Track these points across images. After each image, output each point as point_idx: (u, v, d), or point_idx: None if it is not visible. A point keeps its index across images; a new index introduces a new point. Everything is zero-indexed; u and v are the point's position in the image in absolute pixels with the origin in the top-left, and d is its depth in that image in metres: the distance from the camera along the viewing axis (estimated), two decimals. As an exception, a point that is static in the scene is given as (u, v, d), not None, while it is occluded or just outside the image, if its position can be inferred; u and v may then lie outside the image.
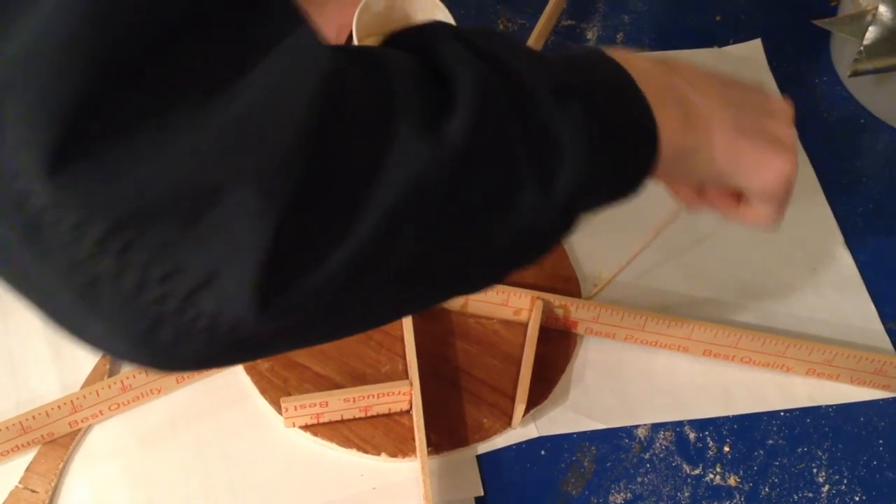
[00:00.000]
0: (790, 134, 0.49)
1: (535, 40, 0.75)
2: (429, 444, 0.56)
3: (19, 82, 0.28)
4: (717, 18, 0.81)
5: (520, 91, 0.37)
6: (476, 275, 0.40)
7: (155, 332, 0.31)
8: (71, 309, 0.31)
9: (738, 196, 0.51)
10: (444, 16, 0.68)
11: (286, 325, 0.32)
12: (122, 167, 0.28)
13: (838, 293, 0.65)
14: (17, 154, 0.28)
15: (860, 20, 0.72)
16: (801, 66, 0.78)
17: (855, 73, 0.70)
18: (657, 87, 0.43)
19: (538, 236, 0.40)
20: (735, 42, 0.79)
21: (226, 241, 0.29)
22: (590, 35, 0.80)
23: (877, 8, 0.71)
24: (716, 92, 0.48)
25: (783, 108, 0.50)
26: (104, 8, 0.28)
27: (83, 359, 0.59)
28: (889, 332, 0.63)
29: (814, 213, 0.69)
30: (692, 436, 0.59)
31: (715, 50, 0.78)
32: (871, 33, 0.69)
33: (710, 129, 0.46)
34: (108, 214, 0.29)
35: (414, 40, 0.38)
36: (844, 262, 0.67)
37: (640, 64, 0.44)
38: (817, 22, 0.73)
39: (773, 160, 0.48)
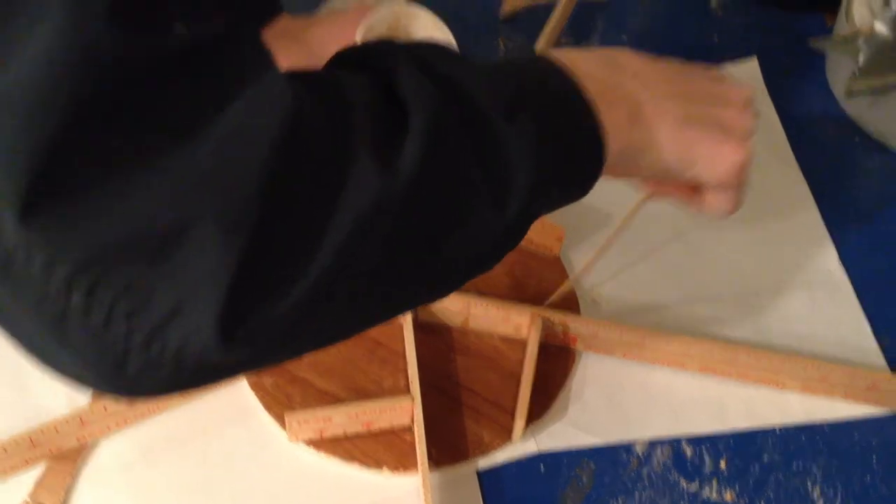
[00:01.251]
0: (743, 121, 0.50)
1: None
2: (430, 458, 0.57)
3: None
4: (715, 39, 0.83)
5: (471, 110, 0.39)
6: (435, 287, 0.42)
7: (122, 365, 0.32)
8: (41, 341, 0.33)
9: (696, 186, 0.52)
10: (445, 35, 0.69)
11: (250, 352, 0.34)
12: (89, 210, 0.30)
13: (833, 309, 0.66)
14: None
15: (854, 40, 0.73)
16: (798, 84, 0.79)
17: (850, 93, 0.71)
18: (603, 89, 0.45)
19: (493, 246, 0.42)
20: (732, 60, 0.80)
21: (189, 277, 0.31)
22: (593, 38, 0.81)
23: (871, 27, 0.72)
24: (664, 84, 0.48)
25: (738, 94, 0.51)
26: (77, 61, 0.29)
27: (91, 374, 0.60)
28: (882, 348, 0.64)
29: (809, 230, 0.70)
30: (689, 451, 0.60)
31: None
32: (865, 53, 0.71)
33: (657, 125, 0.47)
34: (76, 255, 0.30)
35: (374, 60, 0.39)
36: (839, 279, 0.68)
37: (586, 66, 0.45)
38: (813, 42, 0.74)
39: (722, 151, 0.48)
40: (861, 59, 0.70)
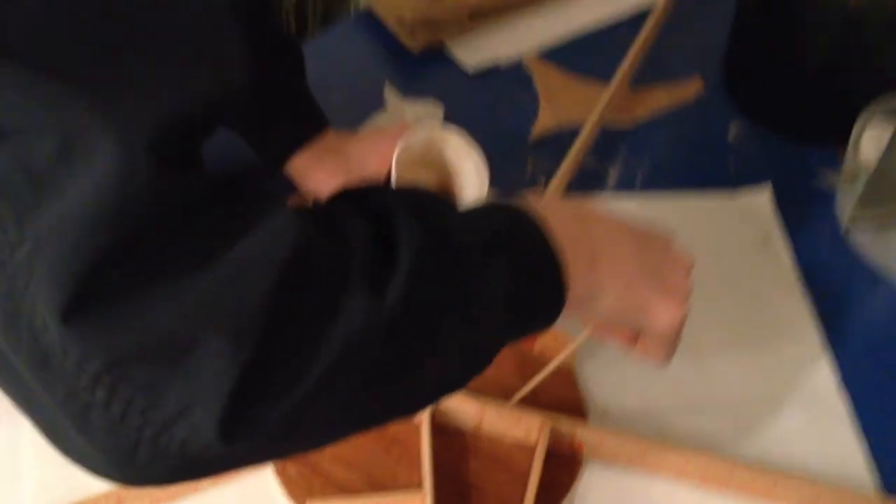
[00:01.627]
0: (685, 285, 0.58)
1: (559, 179, 0.82)
2: (439, 553, 0.61)
3: (44, 250, 0.35)
4: (731, 167, 0.88)
5: (452, 251, 0.45)
6: (413, 400, 0.48)
7: (133, 455, 0.37)
8: (64, 428, 0.38)
9: (637, 334, 0.60)
10: (475, 157, 0.75)
11: (247, 448, 0.39)
12: (119, 319, 0.36)
13: (829, 430, 0.69)
14: (38, 303, 0.35)
15: (857, 175, 0.78)
16: (808, 213, 0.83)
17: (851, 224, 0.75)
18: (571, 240, 0.52)
19: (467, 368, 0.48)
20: (746, 185, 0.85)
21: (198, 382, 0.36)
22: (611, 174, 0.87)
23: (874, 164, 0.77)
24: (623, 243, 0.56)
25: (683, 261, 0.58)
26: (120, 196, 0.35)
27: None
28: (876, 473, 0.67)
29: (810, 354, 0.74)
30: (686, 561, 0.63)
31: (725, 196, 0.85)
32: (866, 187, 0.75)
33: (611, 277, 0.54)
34: (105, 356, 0.36)
35: (374, 202, 0.46)
36: (837, 402, 0.71)
37: (556, 217, 0.52)
38: (819, 178, 0.79)
39: (664, 309, 0.56)
40: (862, 192, 0.75)
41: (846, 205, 0.80)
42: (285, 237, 0.39)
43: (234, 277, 0.37)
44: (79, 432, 0.37)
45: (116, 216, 0.35)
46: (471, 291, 0.46)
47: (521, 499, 0.64)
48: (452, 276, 0.45)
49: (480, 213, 0.50)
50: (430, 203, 0.48)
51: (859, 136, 0.82)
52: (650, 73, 0.96)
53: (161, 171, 0.36)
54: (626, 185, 0.86)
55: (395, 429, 0.67)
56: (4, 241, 0.35)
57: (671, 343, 0.58)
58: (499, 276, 0.47)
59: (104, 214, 0.35)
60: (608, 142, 0.89)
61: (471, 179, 0.77)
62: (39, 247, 0.35)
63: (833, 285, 0.79)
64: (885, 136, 0.80)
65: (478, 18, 0.99)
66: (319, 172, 0.79)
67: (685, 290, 0.57)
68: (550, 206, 0.53)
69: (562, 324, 0.52)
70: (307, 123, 0.80)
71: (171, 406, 0.36)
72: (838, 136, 0.84)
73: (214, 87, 0.41)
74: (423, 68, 0.97)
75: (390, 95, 0.92)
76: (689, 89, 0.95)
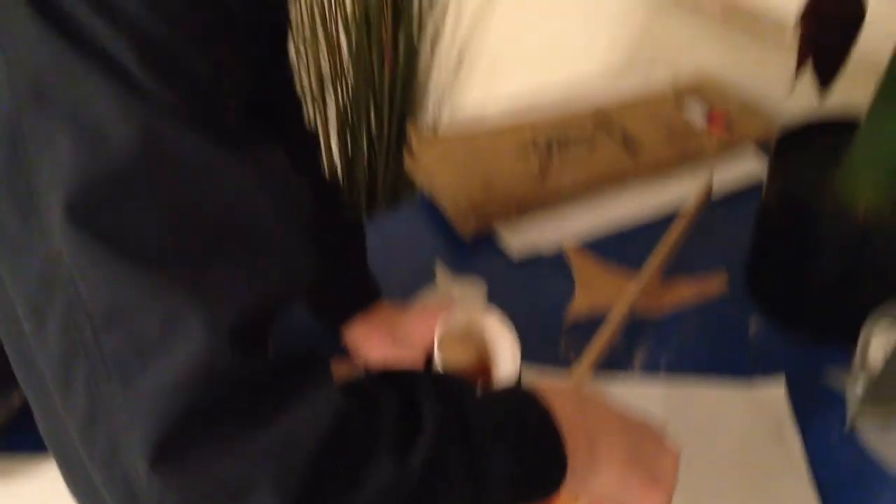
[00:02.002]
0: (671, 475, 0.65)
1: (588, 359, 0.90)
2: None
3: (142, 411, 0.44)
4: (748, 360, 0.95)
5: (466, 430, 0.54)
6: None
7: None
8: None
9: None
10: (510, 339, 0.84)
11: None
12: (192, 470, 0.45)
13: None
14: (133, 453, 0.44)
15: (865, 376, 0.84)
16: (819, 407, 0.89)
17: (854, 421, 0.81)
18: (573, 427, 0.60)
19: None
20: (762, 373, 0.92)
21: None
22: (637, 358, 0.94)
23: (881, 365, 0.84)
24: (619, 432, 0.64)
25: (672, 451, 0.66)
26: (202, 372, 0.45)
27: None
28: None
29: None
30: None
31: (743, 386, 0.91)
32: (870, 387, 0.82)
33: (606, 461, 0.62)
34: (179, 497, 0.44)
35: (407, 383, 0.55)
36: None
37: (560, 403, 0.60)
38: (826, 377, 0.85)
39: (650, 494, 0.63)
40: (866, 392, 0.81)
41: (853, 402, 0.86)
42: (328, 410, 0.48)
43: (285, 442, 0.46)
44: None
45: (199, 388, 0.45)
46: (479, 468, 0.54)
47: None
48: (465, 453, 0.54)
49: (497, 399, 0.59)
50: (454, 388, 0.57)
51: (867, 339, 0.89)
52: (679, 265, 1.05)
53: (236, 354, 0.46)
54: (651, 368, 0.94)
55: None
56: (112, 403, 0.45)
57: None
58: (505, 457, 0.55)
59: (190, 386, 0.45)
60: (637, 328, 0.97)
61: (505, 358, 0.86)
62: (138, 408, 0.44)
63: (840, 476, 0.84)
64: (891, 340, 0.87)
65: (524, 210, 1.10)
66: (370, 340, 0.89)
67: (671, 480, 0.65)
68: (557, 394, 0.61)
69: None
70: (363, 297, 0.91)
71: None
72: (849, 337, 0.91)
73: (285, 286, 0.51)
74: (473, 252, 1.07)
75: (441, 273, 1.02)
76: (714, 285, 1.03)
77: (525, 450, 0.57)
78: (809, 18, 0.87)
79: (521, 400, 0.60)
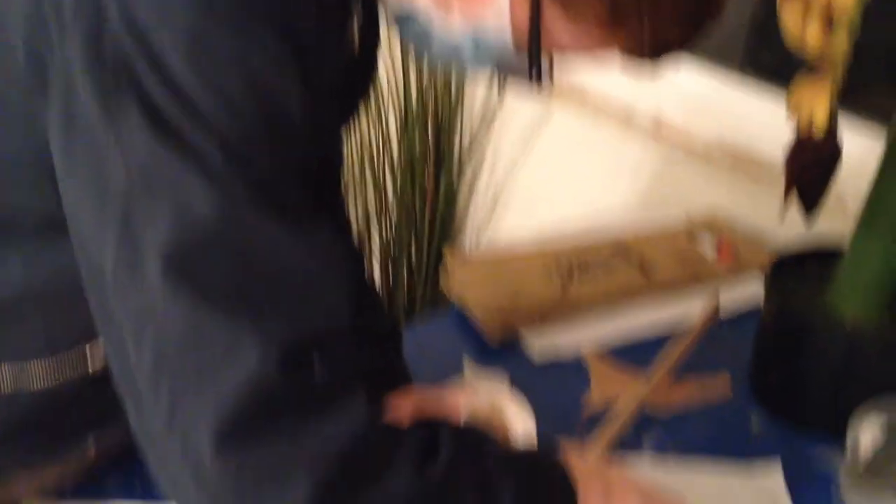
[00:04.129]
0: None
1: (599, 444, 0.99)
2: None
3: (207, 412, 0.59)
4: (748, 450, 1.04)
5: (481, 464, 0.67)
6: None
7: None
8: None
9: None
10: (528, 422, 0.94)
11: None
12: (244, 459, 0.59)
13: None
14: (201, 443, 0.58)
15: (853, 459, 0.93)
16: (812, 489, 0.97)
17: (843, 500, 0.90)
18: (591, 476, 0.71)
19: None
20: (759, 454, 1.01)
21: (280, 498, 0.59)
22: (645, 444, 1.03)
23: (869, 454, 0.93)
24: (635, 493, 0.73)
25: None
26: (251, 391, 0.59)
27: None
28: None
29: None
30: None
31: (743, 470, 1.00)
32: (858, 463, 0.90)
33: None
34: (235, 480, 0.58)
35: (428, 423, 0.68)
36: None
37: (579, 462, 0.71)
38: (826, 462, 0.94)
39: None
40: (854, 479, 0.90)
41: (843, 483, 0.94)
42: (360, 420, 0.62)
43: (322, 442, 0.60)
44: None
45: (252, 398, 0.59)
46: (490, 496, 0.65)
47: None
48: (478, 483, 0.65)
49: (513, 447, 0.71)
50: (473, 432, 0.69)
51: (856, 432, 0.98)
52: (687, 367, 1.15)
53: (285, 376, 0.59)
54: (658, 453, 1.03)
55: None
56: (187, 406, 0.58)
57: None
58: (516, 493, 0.66)
59: (245, 396, 0.59)
60: (644, 423, 1.07)
61: (522, 440, 0.96)
62: (206, 410, 0.58)
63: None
64: (876, 433, 0.96)
65: (547, 319, 1.22)
66: (399, 410, 0.99)
67: None
68: (575, 453, 0.73)
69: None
70: (397, 381, 1.02)
71: None
72: (840, 431, 0.99)
73: (326, 324, 0.64)
74: (499, 356, 1.19)
75: (468, 368, 1.13)
76: (718, 387, 1.13)
77: (536, 489, 0.68)
78: (793, 157, 1.01)
79: (538, 451, 0.72)
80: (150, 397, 0.60)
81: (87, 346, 0.81)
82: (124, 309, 0.61)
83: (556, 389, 1.13)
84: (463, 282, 1.27)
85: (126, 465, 0.94)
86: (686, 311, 1.24)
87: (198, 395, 0.58)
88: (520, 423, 0.97)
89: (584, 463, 0.74)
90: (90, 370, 0.81)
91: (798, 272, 1.09)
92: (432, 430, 0.66)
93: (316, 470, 0.58)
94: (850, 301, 1.03)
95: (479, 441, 0.68)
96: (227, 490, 0.58)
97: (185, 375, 0.59)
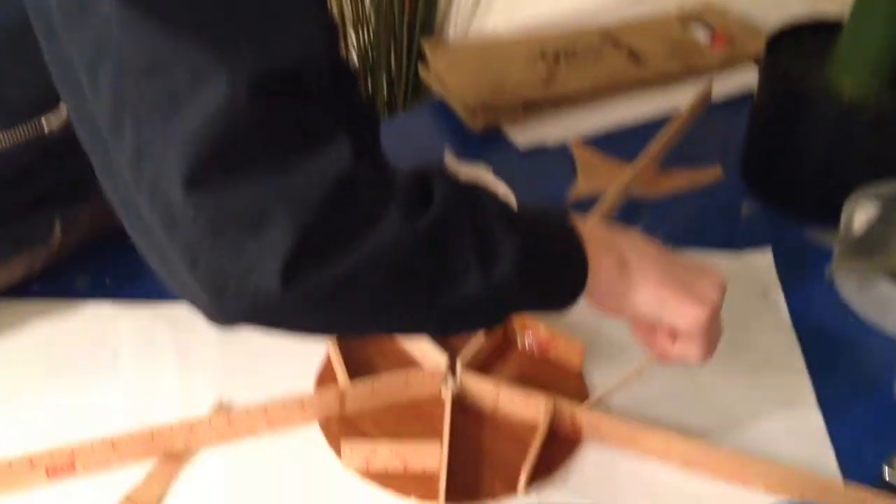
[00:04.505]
0: (713, 293, 0.68)
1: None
2: (450, 495, 0.72)
3: (175, 147, 0.52)
4: (739, 234, 1.01)
5: (480, 212, 0.60)
6: (426, 321, 0.62)
7: (223, 292, 0.53)
8: (180, 271, 0.54)
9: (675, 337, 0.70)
10: (505, 193, 0.90)
11: (298, 304, 0.53)
12: (218, 197, 0.52)
13: (805, 445, 0.78)
14: (171, 182, 0.52)
15: (845, 237, 0.90)
16: (805, 273, 0.95)
17: (835, 274, 0.87)
18: (602, 244, 0.66)
19: (478, 308, 0.60)
20: (750, 247, 0.97)
21: (267, 244, 0.52)
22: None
23: (861, 228, 0.90)
24: (652, 256, 0.68)
25: (715, 275, 0.69)
26: (220, 119, 0.52)
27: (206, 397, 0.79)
28: (843, 476, 0.76)
29: (796, 383, 0.84)
30: (663, 524, 0.72)
31: (732, 255, 0.97)
32: (850, 245, 0.87)
33: (638, 278, 0.67)
34: (211, 220, 0.52)
35: (425, 169, 0.61)
36: (815, 422, 0.80)
37: (595, 229, 0.66)
38: (809, 235, 0.91)
39: (688, 307, 0.67)
40: (844, 246, 0.87)
41: (835, 258, 0.91)
42: (347, 160, 0.55)
43: (304, 181, 0.53)
44: (190, 274, 0.53)
45: (222, 129, 0.52)
46: (487, 250, 0.59)
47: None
48: (473, 233, 0.59)
49: (520, 203, 0.64)
50: (472, 185, 0.62)
51: (850, 213, 0.95)
52: (677, 161, 1.10)
53: (257, 104, 0.52)
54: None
55: (425, 403, 0.80)
56: (153, 141, 0.52)
57: (702, 343, 0.69)
58: (516, 247, 0.60)
59: (214, 127, 0.52)
60: (633, 209, 1.03)
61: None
62: (173, 145, 0.52)
63: (822, 331, 0.89)
64: (871, 213, 0.93)
65: (530, 108, 1.16)
66: None
67: (713, 297, 0.67)
68: (587, 220, 0.67)
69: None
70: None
71: (250, 259, 0.52)
72: (834, 216, 0.96)
73: (297, 52, 0.56)
74: (481, 145, 1.13)
75: (448, 158, 1.08)
76: (709, 175, 1.09)
77: (542, 247, 0.62)
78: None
79: (546, 208, 0.66)
80: (113, 138, 0.54)
81: (43, 118, 0.77)
82: (77, 47, 0.55)
83: (541, 178, 1.09)
84: (443, 69, 1.20)
85: (97, 263, 0.91)
86: (678, 100, 1.19)
87: (163, 130, 0.52)
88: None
89: (598, 230, 0.68)
90: (45, 131, 0.78)
91: (796, 46, 1.03)
92: (427, 178, 0.59)
93: (298, 211, 0.52)
94: (849, 73, 0.97)
95: (479, 194, 0.62)
96: (200, 234, 0.52)
97: (149, 108, 0.52)
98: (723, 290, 0.69)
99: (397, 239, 0.55)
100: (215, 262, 0.52)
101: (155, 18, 0.52)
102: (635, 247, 0.68)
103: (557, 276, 0.65)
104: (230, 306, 0.53)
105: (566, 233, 0.65)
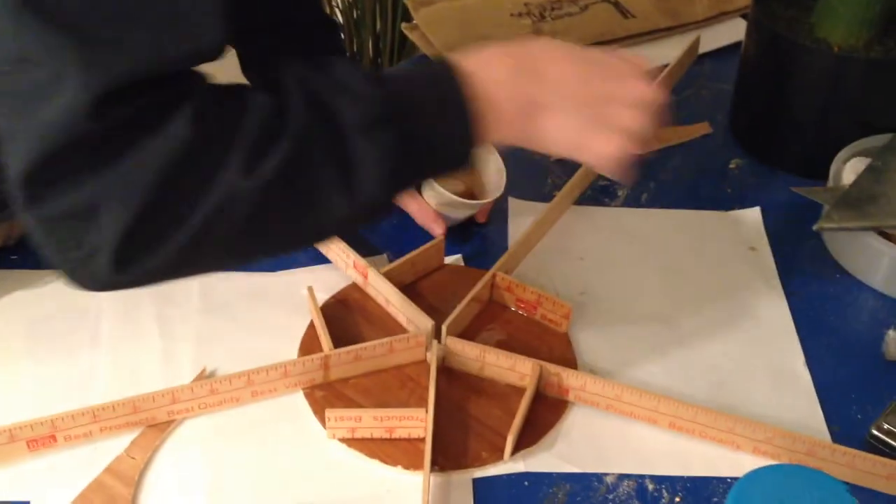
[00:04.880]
0: (631, 121, 0.65)
1: (569, 188, 0.95)
2: (435, 464, 0.71)
3: (21, 142, 0.54)
4: (728, 191, 0.99)
5: (333, 129, 0.58)
6: (289, 245, 0.66)
7: (75, 274, 0.57)
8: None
9: None
10: (496, 161, 0.89)
11: (139, 276, 0.57)
12: (57, 191, 0.54)
13: (792, 400, 0.78)
14: (13, 175, 0.53)
15: (834, 191, 0.89)
16: (793, 229, 0.94)
17: (821, 229, 0.86)
18: (505, 96, 0.62)
19: (354, 218, 0.62)
20: (739, 204, 0.96)
21: (101, 234, 0.54)
22: (621, 193, 0.99)
23: (849, 183, 0.88)
24: (569, 87, 0.64)
25: (636, 96, 0.65)
26: (69, 120, 0.53)
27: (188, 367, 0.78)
28: (831, 432, 0.76)
29: (783, 338, 0.83)
30: (651, 487, 0.72)
31: (719, 213, 0.96)
32: (839, 200, 0.86)
33: (553, 125, 0.64)
34: (47, 214, 0.54)
35: (286, 82, 0.59)
36: (803, 377, 0.80)
37: (493, 72, 0.62)
38: (796, 189, 0.90)
39: (600, 145, 0.64)
40: (833, 203, 0.86)
41: (824, 211, 0.90)
42: (177, 141, 0.55)
43: (132, 172, 0.54)
44: (52, 260, 0.57)
45: (64, 133, 0.53)
46: (347, 163, 0.58)
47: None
48: (330, 151, 0.58)
49: (390, 80, 0.62)
50: (332, 88, 0.60)
51: (840, 167, 0.93)
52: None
53: (105, 111, 0.53)
54: (633, 202, 0.98)
55: (409, 368, 0.79)
56: (13, 132, 0.54)
57: (620, 170, 0.66)
58: (381, 148, 0.58)
59: (58, 130, 0.53)
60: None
61: (492, 179, 0.91)
62: (21, 140, 0.53)
63: (809, 285, 0.89)
64: (860, 168, 0.91)
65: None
66: None
67: (630, 127, 0.65)
68: (490, 61, 0.63)
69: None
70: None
71: (88, 248, 0.55)
72: (823, 172, 0.95)
73: (180, 52, 0.56)
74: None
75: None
76: (698, 130, 1.07)
77: (414, 132, 0.60)
78: None
79: (431, 73, 0.63)
80: None
81: None
82: None
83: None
84: (428, 26, 1.18)
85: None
86: (665, 54, 1.16)
87: (21, 121, 0.53)
88: (488, 164, 0.92)
89: (503, 69, 0.63)
90: None
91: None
92: (285, 101, 0.58)
93: (127, 198, 0.54)
94: (837, 24, 0.95)
95: (335, 97, 0.59)
96: (35, 228, 0.55)
97: (13, 97, 0.54)
98: (645, 102, 0.66)
99: (236, 194, 0.56)
100: (60, 255, 0.56)
101: (33, 12, 0.52)
102: (551, 83, 0.64)
103: (439, 144, 0.62)
104: (83, 284, 0.58)
105: (444, 92, 0.61)
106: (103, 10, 0.53)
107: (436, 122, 0.61)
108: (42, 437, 0.72)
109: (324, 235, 0.67)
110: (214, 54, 0.57)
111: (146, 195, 0.54)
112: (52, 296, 0.84)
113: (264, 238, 0.60)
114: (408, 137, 0.60)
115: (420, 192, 0.89)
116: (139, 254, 0.55)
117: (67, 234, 0.55)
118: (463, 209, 0.89)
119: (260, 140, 0.57)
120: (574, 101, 0.65)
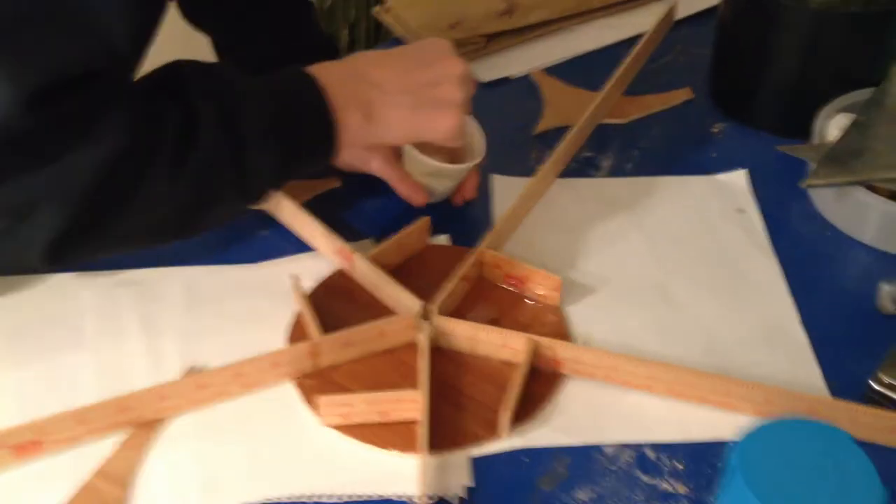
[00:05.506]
0: (454, 94, 0.75)
1: (552, 163, 0.93)
2: (431, 445, 0.70)
3: None
4: (713, 155, 0.98)
5: (237, 137, 0.69)
6: (196, 231, 0.76)
7: (21, 259, 0.66)
8: None
9: None
10: (475, 130, 0.87)
11: (67, 265, 0.70)
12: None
13: (789, 363, 0.77)
14: None
15: (820, 148, 0.88)
16: (779, 188, 0.93)
17: (808, 186, 0.85)
18: (343, 97, 0.72)
19: (237, 214, 0.79)
20: (723, 167, 0.95)
21: (35, 231, 0.63)
22: (604, 164, 0.97)
23: (834, 140, 0.87)
24: (395, 83, 0.74)
25: (453, 72, 0.76)
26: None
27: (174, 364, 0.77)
28: (829, 388, 0.75)
29: (777, 300, 0.82)
30: (651, 455, 0.71)
31: (706, 177, 0.95)
32: (825, 156, 0.85)
33: (389, 119, 0.74)
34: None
35: (192, 93, 0.68)
36: (798, 338, 0.79)
37: (332, 79, 0.72)
38: (781, 148, 0.89)
39: (439, 122, 0.75)
40: (820, 159, 0.85)
41: (811, 169, 0.89)
42: (111, 143, 0.62)
43: (67, 172, 0.60)
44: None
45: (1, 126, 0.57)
46: (246, 167, 0.70)
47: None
48: (234, 159, 0.69)
49: (267, 90, 0.71)
50: (234, 96, 0.69)
51: (824, 123, 0.92)
52: (646, 85, 1.08)
53: (36, 109, 0.58)
54: (618, 173, 0.97)
55: (401, 351, 0.78)
56: None
57: (459, 140, 0.78)
58: (272, 151, 0.70)
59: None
60: (603, 136, 1.00)
61: (473, 148, 0.89)
62: None
63: (800, 244, 0.88)
64: (844, 124, 0.90)
65: (492, 43, 1.13)
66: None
67: (456, 99, 0.75)
68: (325, 69, 0.73)
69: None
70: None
71: (23, 240, 0.63)
72: (808, 129, 0.94)
73: (93, 55, 0.61)
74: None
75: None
76: (679, 96, 1.06)
77: (294, 137, 0.72)
78: None
79: (293, 84, 0.72)
80: None
81: None
82: None
83: (506, 109, 1.06)
84: (401, 8, 1.16)
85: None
86: (643, 24, 1.15)
87: None
88: (473, 139, 0.90)
89: (340, 78, 0.73)
90: None
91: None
92: (195, 112, 0.67)
93: (63, 198, 0.60)
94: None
95: (238, 104, 0.69)
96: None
97: None
98: (462, 75, 0.76)
99: (160, 195, 0.66)
100: (4, 244, 0.62)
101: None
102: (377, 84, 0.74)
103: (313, 152, 0.74)
104: (37, 265, 0.66)
105: (316, 112, 0.72)
106: (14, 13, 0.56)
107: (308, 122, 0.72)
108: (28, 442, 0.70)
109: (225, 221, 0.78)
110: (127, 48, 0.63)
111: (81, 197, 0.60)
112: (31, 300, 0.82)
113: (178, 229, 0.72)
114: (289, 137, 0.71)
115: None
116: (70, 250, 0.63)
117: (2, 226, 0.60)
118: (448, 177, 0.87)
119: (180, 147, 0.65)
120: (401, 92, 0.74)
